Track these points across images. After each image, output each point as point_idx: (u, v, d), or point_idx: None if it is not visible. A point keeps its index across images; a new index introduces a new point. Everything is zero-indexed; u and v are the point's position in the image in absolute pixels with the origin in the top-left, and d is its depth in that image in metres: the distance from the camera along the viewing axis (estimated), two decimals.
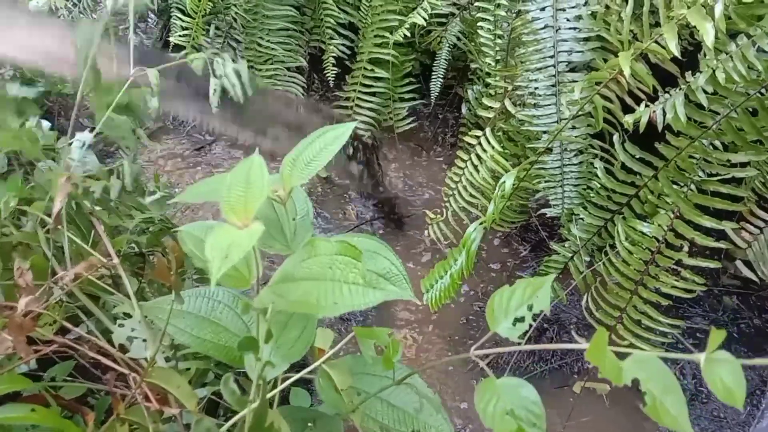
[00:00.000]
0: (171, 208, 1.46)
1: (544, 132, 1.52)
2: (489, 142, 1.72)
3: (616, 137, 1.44)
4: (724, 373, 0.44)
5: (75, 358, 0.95)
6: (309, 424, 0.90)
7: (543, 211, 1.67)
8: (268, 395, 0.77)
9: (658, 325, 1.44)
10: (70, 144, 1.26)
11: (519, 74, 1.57)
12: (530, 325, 0.56)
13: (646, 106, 1.25)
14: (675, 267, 1.40)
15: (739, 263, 1.49)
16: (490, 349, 0.58)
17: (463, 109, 2.10)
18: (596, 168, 1.50)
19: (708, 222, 1.34)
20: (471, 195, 1.80)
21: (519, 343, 0.56)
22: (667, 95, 1.27)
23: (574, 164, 1.56)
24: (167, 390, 0.75)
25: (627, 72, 1.20)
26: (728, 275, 1.76)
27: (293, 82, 2.27)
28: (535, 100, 1.53)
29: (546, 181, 1.59)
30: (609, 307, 1.51)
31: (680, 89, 1.23)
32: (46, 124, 1.33)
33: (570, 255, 1.61)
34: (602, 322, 1.51)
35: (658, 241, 1.39)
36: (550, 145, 1.55)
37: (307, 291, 0.58)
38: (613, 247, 1.48)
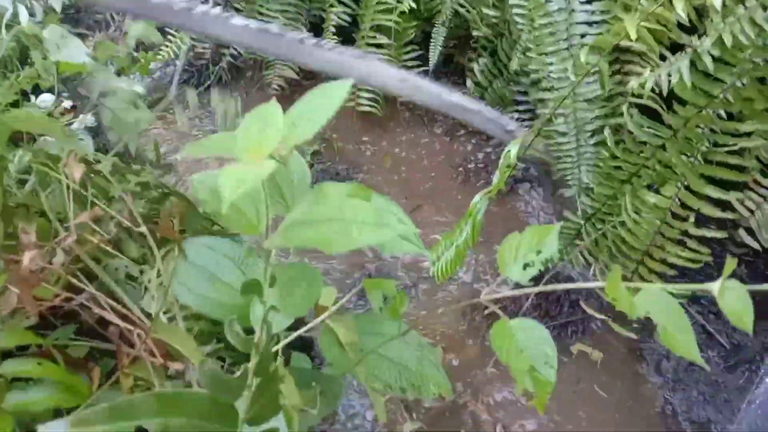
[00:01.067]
0: (169, 176, 1.45)
1: (561, 114, 1.52)
2: None
3: (624, 106, 1.43)
4: (735, 299, 0.49)
5: (79, 320, 0.95)
6: (313, 384, 0.91)
7: (561, 191, 1.68)
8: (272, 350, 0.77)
9: None
10: (70, 124, 1.26)
11: (534, 58, 1.57)
12: (539, 271, 0.57)
13: (651, 71, 1.24)
14: (681, 237, 1.41)
15: (741, 231, 1.49)
16: (500, 294, 0.58)
17: (468, 83, 2.08)
18: (606, 137, 1.50)
19: (714, 192, 1.33)
20: None
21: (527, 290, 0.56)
22: (672, 60, 1.25)
23: (590, 145, 1.57)
24: (172, 346, 0.76)
25: (633, 36, 1.19)
26: (736, 244, 1.76)
27: None
28: (550, 83, 1.53)
29: (561, 163, 1.59)
30: None
31: (686, 53, 1.22)
32: (47, 97, 1.33)
33: (581, 223, 1.61)
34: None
35: (664, 211, 1.39)
36: (566, 129, 1.56)
37: (318, 232, 0.58)
38: (620, 217, 1.48)
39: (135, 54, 2.13)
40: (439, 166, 2.14)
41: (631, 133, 1.44)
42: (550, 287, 0.60)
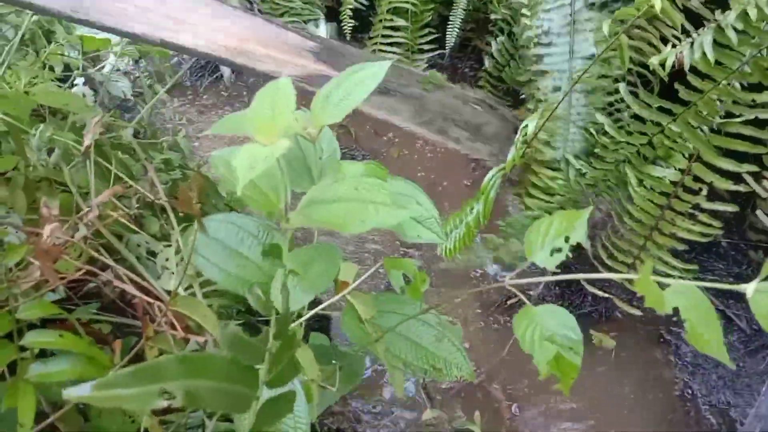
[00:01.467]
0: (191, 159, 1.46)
1: (556, 70, 1.50)
2: None
3: (622, 87, 1.40)
4: None
5: (102, 299, 0.97)
6: (333, 361, 0.91)
7: (542, 149, 1.62)
8: (291, 325, 0.78)
9: (673, 271, 1.43)
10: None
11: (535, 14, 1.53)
12: (567, 256, 0.56)
13: (673, 46, 1.22)
14: (692, 211, 1.39)
15: (760, 213, 1.46)
16: (524, 279, 0.58)
17: (486, 63, 2.06)
18: (602, 122, 1.46)
19: (728, 165, 1.31)
20: None
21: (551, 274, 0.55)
22: (695, 35, 1.23)
23: (582, 105, 1.52)
24: (193, 320, 0.76)
25: (658, 6, 1.16)
26: (755, 229, 1.73)
27: None
28: (549, 39, 1.50)
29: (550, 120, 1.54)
30: (621, 254, 1.49)
31: (709, 28, 1.19)
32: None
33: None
34: (614, 269, 1.50)
35: (675, 185, 1.37)
36: (559, 85, 1.52)
37: (335, 211, 0.58)
38: (625, 192, 1.45)
39: None
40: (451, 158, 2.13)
41: (634, 116, 1.41)
42: (573, 276, 0.59)
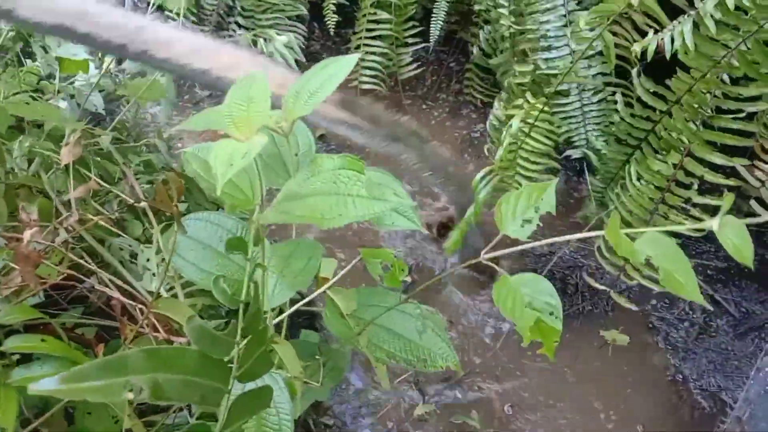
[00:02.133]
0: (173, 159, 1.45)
1: (560, 74, 1.52)
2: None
3: (634, 71, 1.43)
4: (733, 234, 0.52)
5: (86, 305, 0.97)
6: (317, 357, 0.92)
7: (567, 153, 1.68)
8: (275, 320, 0.78)
9: None
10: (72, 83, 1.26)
11: (527, 19, 1.55)
12: (538, 225, 0.58)
13: (655, 33, 1.23)
14: (684, 206, 1.40)
15: (753, 203, 1.47)
16: (500, 251, 0.59)
17: (474, 51, 2.06)
18: (617, 102, 1.50)
19: (719, 159, 1.32)
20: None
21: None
22: (675, 23, 1.24)
23: (594, 103, 1.57)
24: (175, 321, 0.77)
25: (635, 1, 1.18)
26: (742, 213, 1.75)
27: (294, 31, 2.23)
28: (548, 42, 1.53)
29: (568, 123, 1.60)
30: None
31: (688, 16, 1.21)
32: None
33: (603, 187, 1.63)
34: (613, 263, 1.52)
35: (668, 179, 1.39)
36: (568, 88, 1.56)
37: (312, 206, 0.58)
38: (624, 186, 1.47)
39: None
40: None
41: (638, 99, 1.43)
42: (545, 241, 0.60)
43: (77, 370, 0.35)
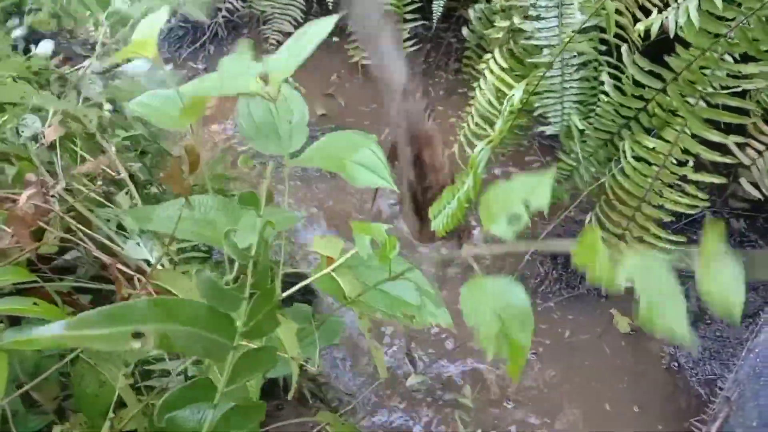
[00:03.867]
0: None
1: (546, 46, 1.51)
2: (496, 63, 1.68)
3: (624, 48, 1.41)
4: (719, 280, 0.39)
5: (75, 271, 0.96)
6: (311, 321, 0.91)
7: (541, 129, 1.65)
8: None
9: (659, 242, 1.46)
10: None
11: None
12: (527, 223, 0.52)
13: (659, 12, 1.23)
14: (679, 183, 1.41)
15: (743, 181, 1.49)
16: (481, 248, 0.55)
17: (465, 31, 2.05)
18: (603, 82, 1.48)
19: (715, 136, 1.33)
20: (477, 125, 1.76)
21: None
22: (680, 1, 1.24)
23: (575, 80, 1.54)
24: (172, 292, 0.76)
25: None
26: (737, 198, 1.76)
27: (292, 5, 2.22)
28: (537, 12, 1.51)
29: (545, 98, 1.57)
30: (612, 225, 1.52)
31: None
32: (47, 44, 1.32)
33: (574, 165, 1.61)
34: (605, 240, 1.52)
35: (663, 155, 1.39)
36: (551, 61, 1.52)
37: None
38: (618, 163, 1.48)
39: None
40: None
41: (631, 77, 1.43)
42: (527, 245, 0.58)
43: (83, 317, 0.35)
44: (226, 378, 0.44)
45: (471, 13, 1.97)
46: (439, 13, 2.08)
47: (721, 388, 1.23)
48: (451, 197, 1.63)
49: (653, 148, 1.39)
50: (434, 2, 2.07)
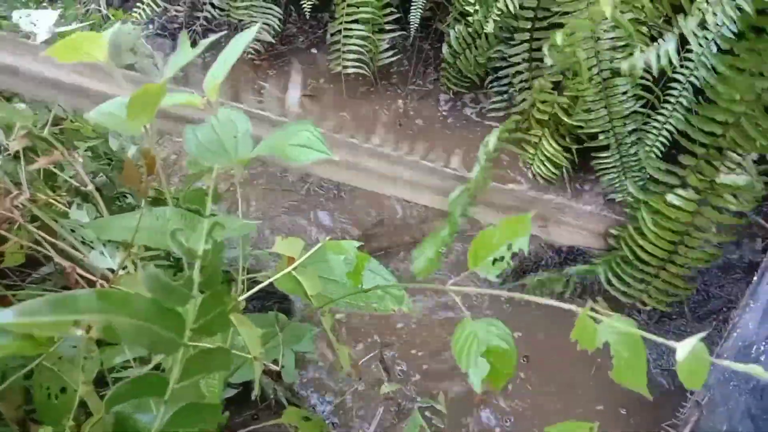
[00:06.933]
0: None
1: (600, 132, 1.72)
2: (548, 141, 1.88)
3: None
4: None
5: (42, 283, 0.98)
6: (275, 327, 0.94)
7: (611, 196, 1.84)
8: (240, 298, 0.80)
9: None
10: None
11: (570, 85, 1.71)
12: (508, 264, 0.57)
13: (641, 51, 1.29)
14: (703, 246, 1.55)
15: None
16: (467, 288, 0.59)
17: (444, 50, 2.12)
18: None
19: None
20: None
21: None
22: (661, 41, 1.31)
23: (632, 154, 1.74)
24: None
25: (608, 15, 1.24)
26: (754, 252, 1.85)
27: (270, 14, 2.25)
28: (586, 106, 1.68)
29: (609, 174, 1.79)
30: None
31: (672, 34, 1.28)
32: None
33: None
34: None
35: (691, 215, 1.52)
36: (607, 143, 1.74)
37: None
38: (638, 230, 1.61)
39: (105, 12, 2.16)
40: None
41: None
42: (516, 295, 0.61)
43: (29, 304, 0.37)
44: (177, 374, 0.46)
45: (451, 34, 2.03)
46: (416, 24, 2.13)
47: (691, 393, 1.26)
48: (431, 243, 1.69)
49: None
50: (411, 13, 2.12)
